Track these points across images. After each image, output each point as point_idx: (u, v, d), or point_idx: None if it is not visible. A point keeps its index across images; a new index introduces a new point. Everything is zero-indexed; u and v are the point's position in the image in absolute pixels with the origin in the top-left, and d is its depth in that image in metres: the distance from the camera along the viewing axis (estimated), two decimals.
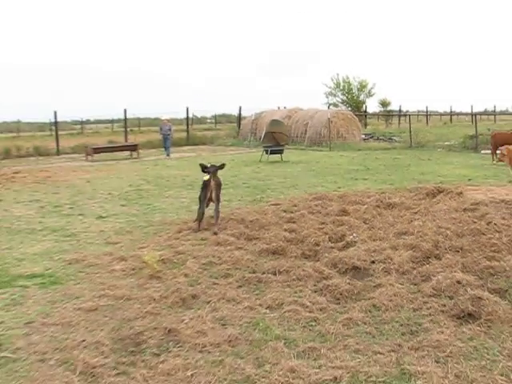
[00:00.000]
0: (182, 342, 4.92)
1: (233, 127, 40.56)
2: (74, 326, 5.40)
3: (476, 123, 28.75)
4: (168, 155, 25.95)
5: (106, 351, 4.82)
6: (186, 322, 5.36)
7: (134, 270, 7.23)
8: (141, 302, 6.01)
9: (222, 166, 10.52)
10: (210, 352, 4.77)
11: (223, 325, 5.36)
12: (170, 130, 27.02)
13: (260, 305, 5.87)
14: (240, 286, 6.52)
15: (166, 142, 26.63)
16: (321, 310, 5.70)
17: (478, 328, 5.15)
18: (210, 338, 4.96)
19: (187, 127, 36.83)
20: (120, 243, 8.75)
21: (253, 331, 5.19)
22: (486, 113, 57.58)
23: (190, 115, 40.89)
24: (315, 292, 6.22)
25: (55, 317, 5.65)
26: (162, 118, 28.48)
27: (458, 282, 6.11)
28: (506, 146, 14.54)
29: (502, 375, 4.27)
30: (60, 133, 31.33)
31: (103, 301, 6.07)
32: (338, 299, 6.02)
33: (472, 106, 52.66)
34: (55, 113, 30.13)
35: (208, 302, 5.95)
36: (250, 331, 5.19)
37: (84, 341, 5.00)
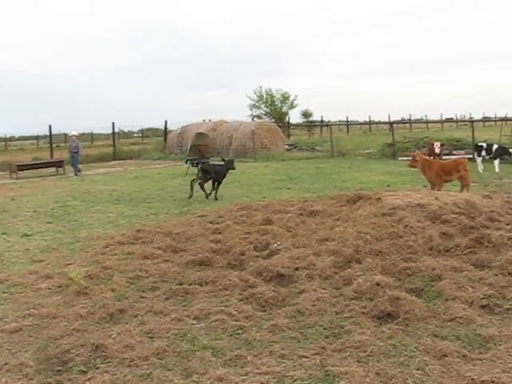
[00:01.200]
0: (110, 358, 4.91)
1: (160, 141, 40.35)
2: None
3: (393, 131, 29.73)
4: (76, 174, 24.01)
5: (30, 373, 4.75)
6: (113, 337, 5.34)
7: (60, 287, 7.14)
8: (67, 319, 5.94)
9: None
10: (138, 366, 4.79)
11: (151, 338, 5.38)
12: (77, 146, 24.97)
13: (187, 316, 5.92)
14: (167, 299, 6.55)
15: (73, 160, 24.70)
16: (247, 318, 5.80)
17: (397, 327, 5.38)
18: (137, 352, 4.98)
19: (113, 142, 36.44)
20: (46, 261, 8.60)
21: (180, 342, 5.24)
22: (402, 121, 59.48)
23: (117, 130, 40.49)
24: (241, 301, 6.33)
25: None
26: (70, 134, 26.55)
27: (378, 284, 6.37)
28: (417, 152, 15.04)
29: (418, 369, 4.50)
30: None
31: (28, 321, 5.96)
32: (264, 307, 6.14)
33: (389, 115, 54.32)
34: None
35: (135, 316, 5.95)
36: (177, 343, 5.23)
37: (6, 364, 4.90)
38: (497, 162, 18.65)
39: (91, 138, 62.54)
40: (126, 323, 5.74)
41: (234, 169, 15.84)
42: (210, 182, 15.31)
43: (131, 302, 6.40)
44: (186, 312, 6.04)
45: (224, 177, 15.44)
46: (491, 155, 19.10)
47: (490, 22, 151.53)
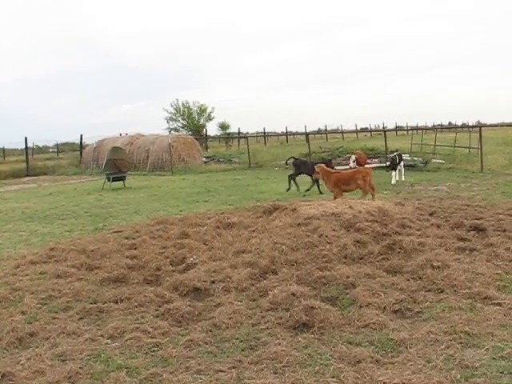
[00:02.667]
0: None
1: (75, 156, 39.40)
2: None
3: (309, 142, 30.24)
4: None
5: None
6: (22, 362, 5.10)
7: None
8: None
9: None
10: None
11: (63, 360, 5.17)
12: None
13: (101, 335, 5.75)
14: (81, 318, 6.34)
15: None
16: (163, 334, 5.70)
17: (312, 336, 5.44)
18: (48, 377, 4.76)
19: (26, 157, 35.24)
20: None
21: (94, 364, 5.07)
22: (318, 132, 60.68)
23: (31, 145, 39.27)
24: (157, 317, 6.22)
25: None
26: None
27: (293, 294, 6.41)
28: (319, 164, 15.35)
29: (333, 377, 4.56)
30: None
31: None
32: (180, 322, 6.06)
33: (305, 126, 55.33)
34: None
35: (47, 339, 5.71)
36: (91, 364, 5.06)
37: None
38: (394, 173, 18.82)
39: (3, 153, 60.34)
40: (37, 347, 5.51)
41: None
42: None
43: (43, 323, 6.15)
44: (100, 331, 5.87)
45: None
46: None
47: (402, 35, 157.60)
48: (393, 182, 18.38)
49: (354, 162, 18.73)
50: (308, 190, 16.87)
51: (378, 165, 20.15)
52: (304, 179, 17.71)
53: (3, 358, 5.30)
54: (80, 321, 6.28)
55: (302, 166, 17.56)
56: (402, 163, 19.12)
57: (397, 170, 18.91)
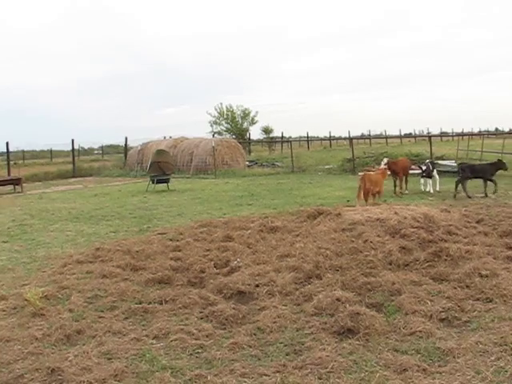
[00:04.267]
0: (66, 381, 4.76)
1: (120, 158, 40.05)
2: None
3: (353, 147, 30.04)
4: None
5: None
6: (70, 359, 5.20)
7: (15, 308, 6.93)
8: (22, 342, 5.76)
9: None
10: None
11: (109, 359, 5.25)
12: None
13: (146, 335, 5.81)
14: (126, 318, 6.43)
15: None
16: (207, 336, 5.73)
17: (357, 342, 5.39)
18: (95, 374, 4.84)
19: (73, 159, 36.00)
20: (1, 282, 8.36)
21: (139, 363, 5.13)
22: (362, 137, 60.28)
23: (77, 147, 40.09)
24: (201, 319, 6.26)
25: None
26: None
27: (338, 300, 6.37)
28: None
29: None
30: None
31: None
32: (224, 324, 6.08)
33: (349, 131, 55.02)
34: None
35: (93, 337, 5.81)
36: (136, 363, 5.12)
37: None
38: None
39: (50, 154, 61.76)
40: (84, 344, 5.61)
41: (505, 169, 17.14)
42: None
43: (89, 322, 6.25)
44: (146, 331, 5.94)
45: (492, 175, 16.64)
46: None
47: (448, 40, 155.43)
48: (423, 189, 17.89)
49: (384, 164, 17.92)
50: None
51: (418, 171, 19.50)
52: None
53: (52, 354, 5.41)
54: (125, 320, 6.37)
55: (469, 170, 16.83)
56: (435, 171, 18.21)
57: (431, 178, 18.06)
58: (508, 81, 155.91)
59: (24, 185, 25.22)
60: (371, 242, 8.68)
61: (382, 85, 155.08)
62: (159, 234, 11.55)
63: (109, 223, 13.89)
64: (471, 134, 50.54)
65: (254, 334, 5.74)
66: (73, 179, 31.42)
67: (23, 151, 58.67)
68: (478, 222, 10.87)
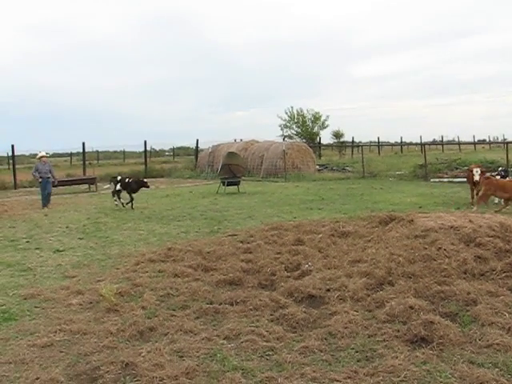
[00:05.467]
0: (139, 376, 4.87)
1: (191, 160, 40.71)
2: (27, 364, 5.29)
3: (425, 153, 29.46)
4: (45, 205, 18.87)
5: None
6: (143, 355, 5.32)
7: (91, 303, 7.18)
8: (98, 335, 5.95)
9: None
10: None
11: (181, 357, 5.33)
12: (50, 171, 19.38)
13: (217, 336, 5.87)
14: (197, 318, 6.52)
15: (47, 187, 19.13)
16: (277, 339, 5.73)
17: (431, 352, 5.26)
18: (167, 371, 4.93)
19: (145, 160, 36.93)
20: (77, 277, 8.68)
21: (210, 362, 5.18)
22: (434, 142, 59.02)
23: (148, 148, 40.99)
24: (272, 321, 6.26)
25: (8, 355, 5.54)
26: (39, 155, 19.76)
27: (411, 307, 6.25)
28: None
29: None
30: (17, 166, 31.17)
31: (59, 336, 5.98)
32: (295, 328, 6.07)
33: (421, 137, 53.93)
34: (12, 146, 29.95)
35: (165, 334, 5.93)
36: (207, 362, 5.18)
37: (38, 379, 4.90)
38: None
39: (123, 155, 63.42)
40: (156, 341, 5.72)
41: None
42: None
43: (161, 320, 6.38)
44: (216, 331, 6.00)
45: None
46: None
47: None
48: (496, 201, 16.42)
49: (479, 174, 16.62)
50: None
51: None
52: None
53: (126, 349, 5.56)
54: (197, 320, 6.45)
55: None
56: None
57: None
58: None
59: (98, 184, 25.97)
60: (445, 249, 8.45)
61: (454, 89, 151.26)
62: (230, 235, 11.66)
63: (180, 224, 14.13)
64: None
65: (325, 339, 5.70)
66: (145, 180, 32.06)
67: (97, 152, 60.48)
68: None
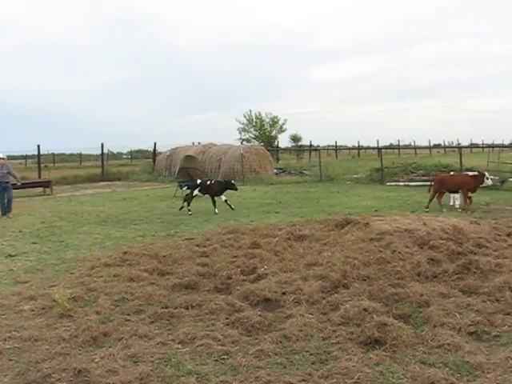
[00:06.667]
0: (92, 383, 4.79)
1: (148, 163, 40.37)
2: None
3: (381, 157, 29.88)
4: (5, 214, 17.02)
5: None
6: (96, 361, 5.24)
7: (43, 309, 7.02)
8: (50, 342, 5.82)
9: None
10: None
11: (135, 362, 5.26)
12: (8, 173, 17.31)
13: (172, 340, 5.82)
14: (152, 322, 6.45)
15: (6, 193, 17.10)
16: (233, 342, 5.71)
17: (384, 353, 5.31)
18: (121, 377, 4.86)
19: (102, 163, 36.42)
20: (30, 282, 8.49)
21: (165, 367, 5.13)
22: (391, 147, 59.87)
23: (106, 151, 40.56)
24: (227, 325, 6.24)
25: None
26: None
27: (365, 310, 6.32)
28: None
29: None
30: None
31: (9, 344, 5.83)
32: (250, 331, 6.06)
33: (378, 141, 54.56)
34: None
35: (120, 340, 5.84)
36: (161, 367, 5.13)
37: None
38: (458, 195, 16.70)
39: (80, 158, 62.64)
40: (110, 347, 5.64)
41: None
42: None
43: (116, 325, 6.28)
44: (171, 336, 5.95)
45: None
46: None
47: (478, 51, 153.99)
48: (452, 203, 16.97)
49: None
50: None
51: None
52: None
53: (79, 355, 5.46)
54: (151, 324, 6.38)
55: None
56: None
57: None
58: None
59: (53, 187, 25.54)
60: (399, 252, 8.61)
61: (411, 95, 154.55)
62: (186, 239, 11.61)
63: (136, 227, 14.00)
64: (502, 146, 49.83)
65: (280, 342, 5.71)
66: (101, 183, 31.78)
67: (53, 154, 59.57)
68: (508, 235, 10.70)
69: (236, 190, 17.71)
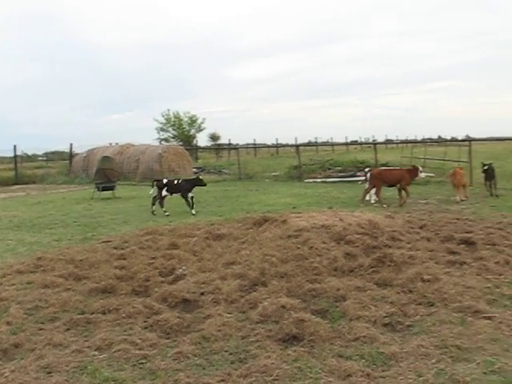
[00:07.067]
0: None
1: (65, 165, 39.19)
2: None
3: (299, 154, 30.26)
4: None
5: None
6: (6, 375, 4.98)
7: None
8: None
9: None
10: None
11: (49, 373, 5.07)
12: None
13: (89, 347, 5.66)
14: (68, 329, 6.24)
15: None
16: (151, 346, 5.62)
17: (302, 349, 5.38)
18: None
19: (15, 165, 35.09)
20: None
21: (80, 376, 4.98)
22: (309, 144, 60.72)
23: (20, 153, 39.11)
24: (145, 328, 6.14)
25: None
26: None
27: (283, 307, 6.37)
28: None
29: None
30: None
31: None
32: (168, 334, 5.99)
33: (296, 138, 55.20)
34: None
35: (32, 350, 5.61)
36: (77, 376, 4.98)
37: None
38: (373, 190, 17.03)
39: None
40: (22, 359, 5.40)
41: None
42: None
43: (28, 334, 6.04)
44: (88, 343, 5.78)
45: None
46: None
47: (393, 50, 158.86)
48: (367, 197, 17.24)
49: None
50: None
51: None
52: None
53: None
54: (67, 332, 6.18)
55: None
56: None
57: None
58: (450, 91, 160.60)
59: None
60: (316, 248, 8.74)
61: (329, 92, 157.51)
62: (104, 242, 11.37)
63: (52, 231, 13.58)
64: (415, 142, 51.45)
65: (199, 343, 5.67)
66: (15, 186, 30.64)
67: None
68: (420, 228, 11.11)
69: (205, 185, 16.99)
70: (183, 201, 16.35)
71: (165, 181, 16.80)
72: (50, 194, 25.14)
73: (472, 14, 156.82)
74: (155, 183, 16.80)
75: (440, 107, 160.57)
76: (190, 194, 16.27)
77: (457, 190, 17.09)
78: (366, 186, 17.18)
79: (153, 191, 16.77)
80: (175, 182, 16.74)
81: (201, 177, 17.51)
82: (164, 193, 16.35)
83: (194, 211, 15.84)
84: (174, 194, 16.53)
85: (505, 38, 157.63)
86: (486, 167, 18.18)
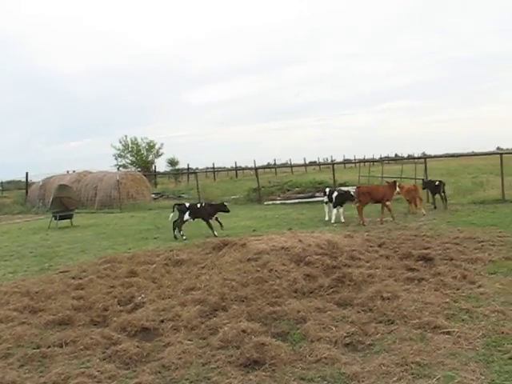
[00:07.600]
0: None
1: (21, 194, 38.44)
2: None
3: (258, 176, 30.32)
4: None
5: None
6: None
7: None
8: None
9: None
10: None
11: None
12: None
13: (44, 383, 5.48)
14: (22, 365, 6.02)
15: None
16: (110, 378, 5.48)
17: (263, 373, 5.34)
18: None
19: None
20: None
21: None
22: (267, 166, 61.07)
23: None
24: (104, 360, 6.00)
25: None
26: None
27: (244, 331, 6.33)
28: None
29: None
30: None
31: None
32: (128, 364, 5.86)
33: (255, 161, 55.48)
34: None
35: None
36: None
37: None
38: (335, 211, 17.47)
39: None
40: None
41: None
42: None
43: None
44: (43, 378, 5.57)
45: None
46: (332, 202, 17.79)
47: (347, 71, 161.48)
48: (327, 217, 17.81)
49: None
50: None
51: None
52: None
53: None
54: (21, 368, 5.96)
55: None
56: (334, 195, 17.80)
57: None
58: (404, 110, 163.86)
59: None
60: (276, 270, 8.73)
61: (286, 114, 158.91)
62: (61, 272, 11.12)
63: (7, 263, 13.25)
64: (372, 161, 52.34)
65: (159, 372, 5.57)
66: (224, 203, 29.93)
67: None
68: (379, 246, 11.21)
69: (228, 211, 16.85)
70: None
71: (187, 204, 16.49)
72: (6, 224, 24.60)
73: (422, 34, 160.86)
74: (176, 207, 16.43)
75: (395, 126, 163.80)
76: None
77: (415, 205, 18.15)
78: (327, 207, 17.93)
79: (172, 216, 16.36)
80: (198, 205, 16.52)
81: (226, 203, 17.31)
82: (186, 217, 16.01)
83: (216, 233, 15.62)
84: (196, 219, 16.26)
85: (453, 56, 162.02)
86: (437, 183, 19.70)
